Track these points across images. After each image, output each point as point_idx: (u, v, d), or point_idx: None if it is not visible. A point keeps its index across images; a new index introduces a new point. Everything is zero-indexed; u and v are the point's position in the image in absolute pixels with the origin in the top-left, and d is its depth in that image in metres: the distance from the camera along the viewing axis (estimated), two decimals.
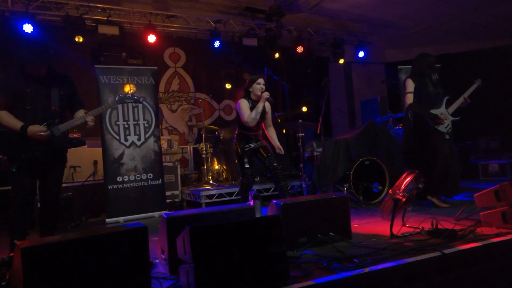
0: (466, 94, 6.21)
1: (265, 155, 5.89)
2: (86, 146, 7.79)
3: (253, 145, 5.90)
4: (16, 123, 4.16)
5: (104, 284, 2.77)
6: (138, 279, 2.91)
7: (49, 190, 4.45)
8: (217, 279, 2.76)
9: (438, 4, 10.44)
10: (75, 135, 8.08)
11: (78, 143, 4.61)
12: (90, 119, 4.44)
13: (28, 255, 2.53)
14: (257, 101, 5.83)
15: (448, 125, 6.10)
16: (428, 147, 6.15)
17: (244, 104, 5.84)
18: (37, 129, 4.14)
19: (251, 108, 5.81)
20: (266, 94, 5.79)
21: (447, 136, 6.13)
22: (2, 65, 7.75)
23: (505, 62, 11.40)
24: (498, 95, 11.24)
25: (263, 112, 5.87)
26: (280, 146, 6.06)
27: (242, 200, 5.95)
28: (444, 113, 6.12)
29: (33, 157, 4.20)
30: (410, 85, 6.23)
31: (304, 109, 12.30)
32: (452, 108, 6.18)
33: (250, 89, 5.92)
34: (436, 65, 8.66)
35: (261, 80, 5.90)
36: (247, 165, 5.88)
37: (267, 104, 5.98)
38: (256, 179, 8.59)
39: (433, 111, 6.08)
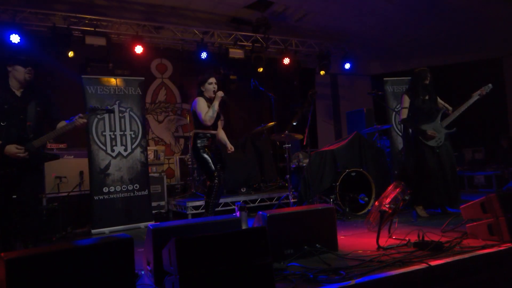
0: (463, 108, 6.35)
1: (221, 164, 5.77)
2: (68, 158, 7.78)
3: (211, 147, 5.70)
4: None
5: None
6: None
7: (25, 201, 4.47)
8: None
9: (423, 18, 10.56)
10: (61, 145, 8.04)
11: (52, 157, 4.70)
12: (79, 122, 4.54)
13: (12, 267, 2.50)
14: (212, 101, 5.68)
15: (439, 139, 6.29)
16: (418, 160, 6.35)
17: (201, 102, 5.67)
18: (15, 150, 4.23)
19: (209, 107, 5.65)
20: (221, 93, 5.65)
21: (437, 150, 6.27)
22: None
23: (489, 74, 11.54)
24: (483, 107, 11.36)
25: (218, 113, 5.73)
26: (231, 146, 5.97)
27: (209, 211, 5.53)
28: (437, 126, 6.34)
29: (10, 173, 4.30)
30: (406, 101, 6.50)
31: (294, 122, 12.28)
32: (447, 121, 6.40)
33: (203, 89, 5.77)
34: None
35: (212, 80, 5.75)
36: (213, 166, 5.54)
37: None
38: (242, 190, 8.58)
39: (425, 126, 6.30)
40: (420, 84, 6.46)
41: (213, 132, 5.75)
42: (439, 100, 6.61)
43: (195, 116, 5.71)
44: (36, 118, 4.49)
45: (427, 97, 6.45)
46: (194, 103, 5.72)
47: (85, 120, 4.57)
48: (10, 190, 4.40)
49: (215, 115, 5.60)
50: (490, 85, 6.41)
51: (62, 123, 4.59)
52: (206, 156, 5.57)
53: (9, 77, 4.48)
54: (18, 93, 4.48)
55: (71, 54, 8.85)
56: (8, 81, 4.47)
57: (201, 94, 5.78)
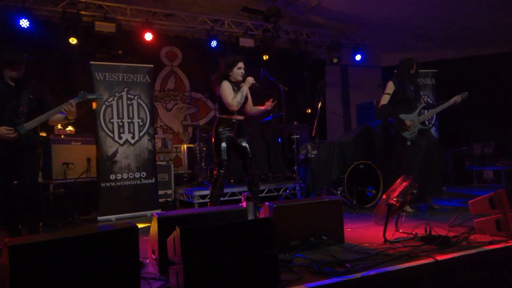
0: (442, 107, 6.32)
1: (247, 155, 5.56)
2: (76, 144, 7.79)
3: (235, 136, 5.50)
4: None
5: (93, 283, 2.73)
6: (128, 279, 2.88)
7: (24, 184, 4.57)
8: (207, 281, 2.73)
9: (436, 10, 10.45)
10: (69, 132, 8.06)
11: (44, 140, 4.87)
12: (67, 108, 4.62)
13: (16, 253, 2.50)
14: (238, 85, 5.52)
15: (413, 133, 6.26)
16: (394, 152, 6.41)
17: (227, 86, 5.46)
18: (4, 131, 4.39)
19: (235, 92, 5.47)
20: (251, 79, 5.45)
21: (409, 143, 6.25)
22: None
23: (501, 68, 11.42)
24: (493, 101, 11.25)
25: (245, 97, 5.57)
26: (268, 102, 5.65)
27: (213, 200, 5.43)
28: (414, 119, 6.29)
29: (3, 156, 4.45)
30: (390, 87, 6.39)
31: (308, 110, 12.21)
32: (424, 117, 6.37)
33: (230, 73, 5.54)
34: (433, 70, 8.71)
35: (241, 64, 5.53)
36: (225, 156, 5.40)
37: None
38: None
39: (403, 116, 6.26)
40: (406, 73, 6.39)
41: (238, 118, 5.55)
42: (421, 94, 6.60)
43: (220, 101, 5.54)
44: (28, 104, 4.62)
45: (412, 87, 6.40)
46: (219, 87, 5.50)
47: (70, 107, 4.62)
48: (8, 175, 4.58)
49: (242, 100, 5.42)
50: (466, 93, 6.35)
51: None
52: (223, 144, 5.42)
53: (4, 68, 4.62)
54: (12, 83, 4.63)
55: (74, 41, 8.82)
56: (3, 72, 4.62)
57: (226, 77, 5.55)
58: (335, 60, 12.06)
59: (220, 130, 5.48)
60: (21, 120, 4.51)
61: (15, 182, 4.62)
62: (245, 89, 5.44)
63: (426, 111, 6.40)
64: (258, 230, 2.98)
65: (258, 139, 8.95)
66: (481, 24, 11.11)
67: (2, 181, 4.52)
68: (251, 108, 5.78)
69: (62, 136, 7.91)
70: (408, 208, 6.18)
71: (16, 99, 4.56)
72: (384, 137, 6.67)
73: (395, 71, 6.60)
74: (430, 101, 6.51)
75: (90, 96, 4.89)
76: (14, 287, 2.47)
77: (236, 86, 5.54)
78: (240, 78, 5.50)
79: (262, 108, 5.71)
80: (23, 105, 4.58)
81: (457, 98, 6.31)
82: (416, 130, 6.25)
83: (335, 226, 4.25)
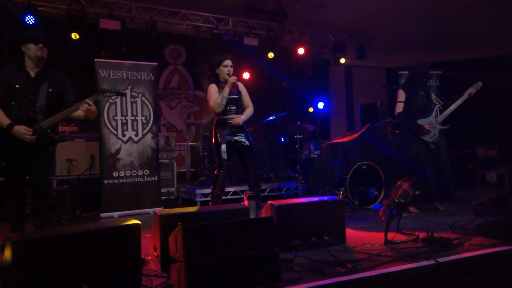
0: (458, 103, 6.34)
1: (248, 155, 5.46)
2: (79, 141, 7.80)
3: (233, 136, 5.41)
4: (4, 120, 4.32)
5: (95, 279, 2.75)
6: (129, 275, 2.89)
7: (34, 182, 4.49)
8: (208, 279, 2.74)
9: (441, 11, 10.42)
10: (73, 128, 8.07)
11: (60, 140, 4.66)
12: (85, 107, 4.40)
13: (19, 249, 2.52)
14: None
15: (434, 135, 6.35)
16: (411, 156, 6.44)
17: (212, 88, 5.39)
18: (23, 131, 4.28)
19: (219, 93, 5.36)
20: (233, 79, 5.26)
21: (432, 146, 6.33)
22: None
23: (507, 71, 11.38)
24: (498, 104, 11.21)
25: (238, 94, 5.48)
26: (239, 119, 5.43)
27: (214, 200, 5.40)
28: (432, 122, 6.37)
29: (19, 153, 4.35)
30: (401, 95, 6.50)
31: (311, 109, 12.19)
32: (442, 117, 6.41)
33: (218, 72, 5.45)
34: (437, 72, 8.70)
35: (228, 62, 5.39)
36: (225, 156, 5.31)
37: (241, 85, 5.57)
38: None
39: (421, 121, 6.33)
40: (420, 79, 6.45)
41: (232, 117, 5.42)
42: (432, 95, 6.65)
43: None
44: (47, 99, 4.49)
45: (422, 93, 6.46)
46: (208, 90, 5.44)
47: (87, 106, 4.36)
48: (21, 171, 4.50)
49: (224, 102, 5.28)
50: (480, 82, 6.37)
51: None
52: (222, 144, 5.34)
53: (25, 57, 4.54)
54: (32, 73, 4.51)
55: (76, 36, 8.81)
56: (24, 62, 4.53)
57: (215, 79, 5.47)
58: (342, 61, 12.01)
59: (218, 130, 5.44)
60: (37, 117, 4.38)
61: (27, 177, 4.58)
62: (226, 90, 5.30)
63: (439, 111, 6.42)
64: (260, 229, 2.99)
65: (261, 138, 8.95)
66: (486, 25, 11.07)
67: (14, 177, 4.49)
68: (246, 107, 5.65)
69: (67, 133, 7.93)
70: (412, 209, 6.20)
71: (34, 93, 4.44)
72: (401, 141, 6.74)
73: (407, 74, 6.69)
74: (437, 103, 6.52)
75: (109, 94, 4.62)
76: (18, 281, 2.49)
77: (224, 85, 5.41)
78: (227, 77, 5.34)
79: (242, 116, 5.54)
80: (41, 100, 4.44)
81: (471, 90, 6.35)
82: (437, 132, 6.35)
83: (337, 226, 4.26)
